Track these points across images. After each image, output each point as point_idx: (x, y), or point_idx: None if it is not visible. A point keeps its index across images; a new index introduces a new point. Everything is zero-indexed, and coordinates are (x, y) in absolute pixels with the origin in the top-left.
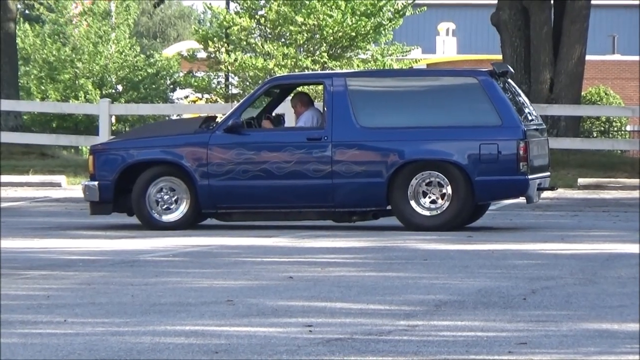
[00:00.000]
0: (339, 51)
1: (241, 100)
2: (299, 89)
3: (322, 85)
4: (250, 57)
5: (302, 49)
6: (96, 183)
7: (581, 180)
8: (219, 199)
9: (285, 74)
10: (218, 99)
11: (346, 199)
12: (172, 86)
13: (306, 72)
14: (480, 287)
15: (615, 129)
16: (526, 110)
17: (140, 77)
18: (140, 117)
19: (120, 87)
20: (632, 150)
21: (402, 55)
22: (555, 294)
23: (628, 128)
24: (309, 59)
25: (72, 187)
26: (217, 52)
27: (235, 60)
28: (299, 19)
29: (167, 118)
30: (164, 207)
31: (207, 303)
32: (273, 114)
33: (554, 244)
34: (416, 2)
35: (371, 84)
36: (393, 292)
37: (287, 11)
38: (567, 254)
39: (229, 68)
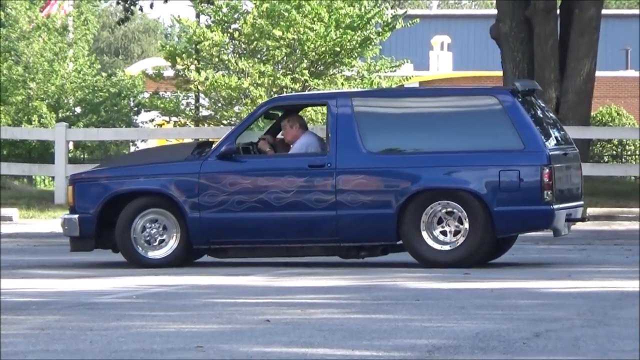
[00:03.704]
0: (321, 68)
1: (237, 124)
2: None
3: (325, 106)
4: (223, 76)
5: (280, 66)
6: (76, 216)
7: (590, 210)
8: (212, 233)
9: (286, 94)
10: (187, 122)
11: (352, 233)
12: (136, 108)
13: (309, 91)
14: (478, 330)
15: (629, 152)
16: (555, 132)
17: (100, 99)
18: (101, 143)
19: (78, 110)
20: None
21: (392, 72)
22: (562, 337)
23: None
24: (288, 77)
25: (24, 222)
26: (186, 70)
27: (206, 78)
28: (277, 32)
29: (135, 143)
30: (151, 243)
31: (174, 350)
32: (277, 139)
33: (560, 282)
34: (408, 13)
35: (379, 104)
36: (381, 336)
37: (264, 24)
38: (575, 293)
39: (199, 88)
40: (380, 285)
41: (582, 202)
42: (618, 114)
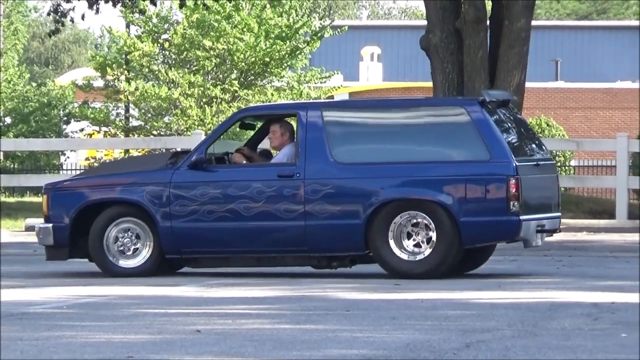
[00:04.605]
0: (251, 78)
1: (209, 133)
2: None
3: (295, 116)
4: (153, 86)
5: (210, 77)
6: (50, 225)
7: None
8: (183, 242)
9: (258, 104)
10: (117, 133)
11: (320, 243)
12: (66, 118)
13: (279, 102)
14: (409, 341)
15: (559, 164)
16: (529, 143)
17: (30, 109)
18: (31, 153)
19: (8, 120)
20: (577, 188)
21: (321, 82)
22: (492, 347)
23: (573, 163)
24: (218, 87)
25: None
26: (116, 80)
27: (136, 89)
28: (207, 43)
29: (66, 154)
30: (124, 252)
31: None
32: (258, 149)
33: (491, 292)
34: (337, 22)
35: (349, 115)
36: (311, 346)
37: (194, 35)
38: (505, 303)
39: (129, 98)
40: (311, 296)
41: (558, 214)
42: (548, 125)
